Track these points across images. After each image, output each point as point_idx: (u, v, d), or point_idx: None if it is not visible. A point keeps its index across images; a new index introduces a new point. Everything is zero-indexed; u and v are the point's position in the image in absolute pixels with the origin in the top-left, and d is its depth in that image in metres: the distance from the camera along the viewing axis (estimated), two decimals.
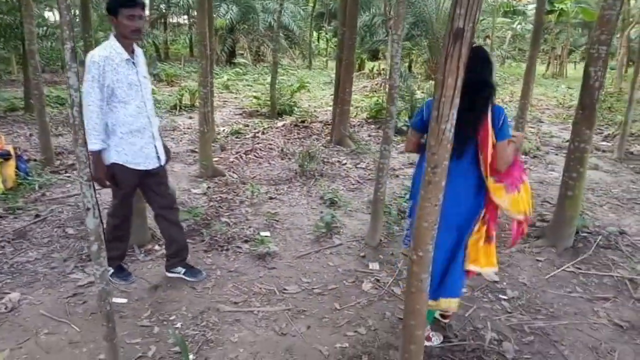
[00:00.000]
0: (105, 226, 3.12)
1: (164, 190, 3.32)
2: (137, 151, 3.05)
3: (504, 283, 3.60)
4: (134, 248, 3.83)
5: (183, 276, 3.46)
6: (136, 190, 3.30)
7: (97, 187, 3.63)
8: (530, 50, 6.08)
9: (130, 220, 3.34)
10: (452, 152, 1.91)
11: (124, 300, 3.12)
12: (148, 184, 3.25)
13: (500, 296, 3.42)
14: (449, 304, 2.69)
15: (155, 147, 3.16)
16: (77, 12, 11.42)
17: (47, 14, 15.79)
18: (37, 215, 4.41)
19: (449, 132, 1.89)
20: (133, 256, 3.74)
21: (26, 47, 6.05)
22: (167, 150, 3.37)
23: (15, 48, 10.42)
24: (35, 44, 5.80)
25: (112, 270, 3.29)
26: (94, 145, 2.86)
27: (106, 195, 4.04)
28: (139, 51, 3.09)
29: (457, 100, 1.87)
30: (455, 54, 1.78)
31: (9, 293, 3.13)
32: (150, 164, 3.13)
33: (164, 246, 3.89)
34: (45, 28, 9.92)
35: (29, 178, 5.13)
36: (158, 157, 3.18)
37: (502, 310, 3.25)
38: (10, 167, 4.94)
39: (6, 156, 4.88)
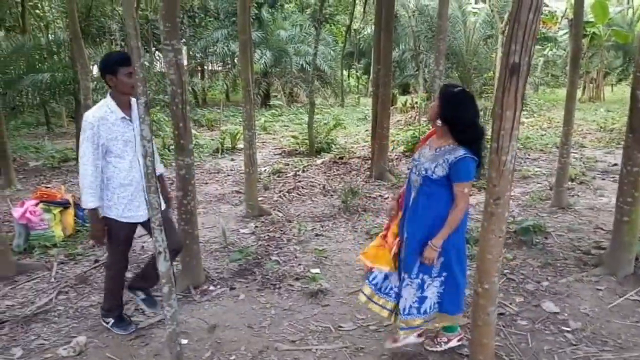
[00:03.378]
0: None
1: (169, 233, 3.18)
2: (126, 204, 3.09)
3: (565, 314, 3.49)
4: (190, 289, 3.92)
5: (140, 302, 3.45)
6: (131, 243, 3.36)
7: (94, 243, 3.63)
8: (569, 76, 6.00)
9: (124, 272, 3.38)
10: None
11: (185, 341, 3.17)
12: (149, 227, 3.28)
13: (563, 328, 3.31)
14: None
15: (146, 200, 3.15)
16: None
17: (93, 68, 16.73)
18: (96, 261, 4.59)
19: (510, 163, 1.92)
20: (190, 297, 3.83)
21: (81, 101, 6.43)
22: (167, 199, 3.48)
23: (67, 103, 11.03)
24: (91, 98, 6.17)
25: (112, 321, 3.34)
26: (90, 203, 2.97)
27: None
28: (135, 106, 3.05)
29: (516, 132, 1.90)
30: (512, 87, 1.84)
31: (76, 337, 3.24)
32: (142, 217, 3.14)
33: (218, 286, 3.99)
34: (95, 83, 10.49)
35: (87, 225, 5.35)
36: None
37: (567, 342, 3.15)
38: (69, 215, 5.19)
39: (66, 205, 5.13)
